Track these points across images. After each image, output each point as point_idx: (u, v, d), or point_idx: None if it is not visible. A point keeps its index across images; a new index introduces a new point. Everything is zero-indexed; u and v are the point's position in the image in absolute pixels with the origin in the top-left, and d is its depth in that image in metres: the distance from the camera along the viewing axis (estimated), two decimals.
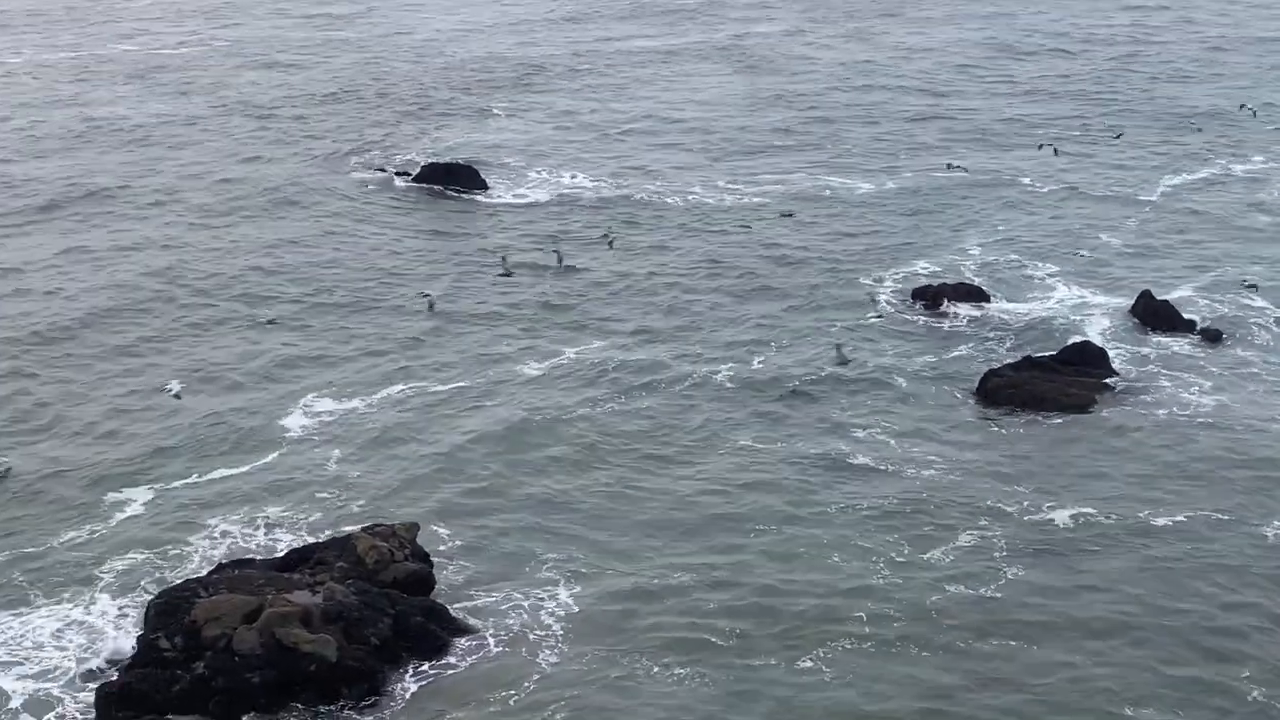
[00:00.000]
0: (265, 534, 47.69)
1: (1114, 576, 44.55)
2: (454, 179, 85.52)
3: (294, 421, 55.82)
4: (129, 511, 49.48)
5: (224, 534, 47.74)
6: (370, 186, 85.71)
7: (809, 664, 40.52)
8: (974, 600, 43.31)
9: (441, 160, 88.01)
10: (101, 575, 45.32)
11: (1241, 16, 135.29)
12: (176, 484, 51.21)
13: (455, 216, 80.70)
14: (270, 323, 64.82)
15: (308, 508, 49.19)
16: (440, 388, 58.66)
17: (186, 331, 64.36)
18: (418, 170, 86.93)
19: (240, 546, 46.77)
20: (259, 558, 45.67)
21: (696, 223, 79.15)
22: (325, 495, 50.10)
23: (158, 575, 45.06)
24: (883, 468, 51.45)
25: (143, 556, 46.36)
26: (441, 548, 46.35)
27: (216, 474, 51.84)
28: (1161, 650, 41.11)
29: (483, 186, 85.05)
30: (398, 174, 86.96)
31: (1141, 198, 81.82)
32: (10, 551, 46.86)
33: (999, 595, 43.66)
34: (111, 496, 50.34)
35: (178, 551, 46.62)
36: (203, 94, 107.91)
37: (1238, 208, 79.88)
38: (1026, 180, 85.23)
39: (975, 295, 66.20)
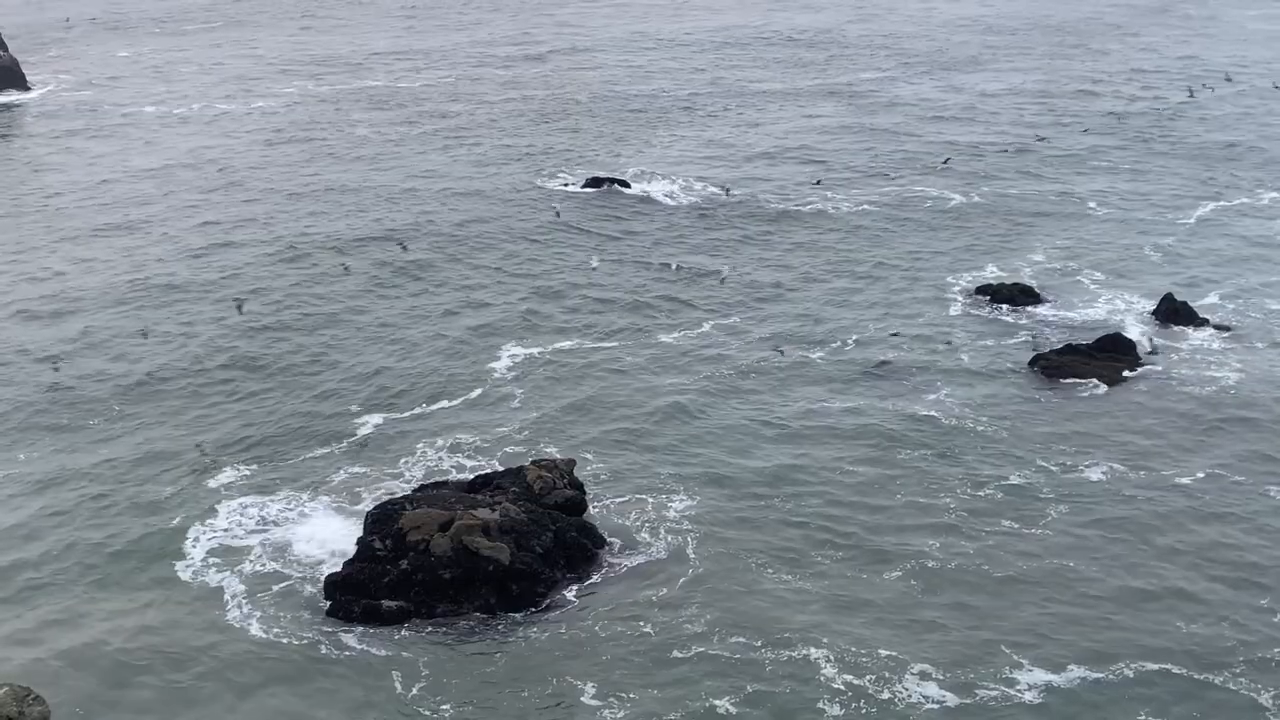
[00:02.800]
0: (459, 459, 48.88)
1: (1138, 520, 44.28)
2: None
3: (498, 365, 57.62)
4: (368, 429, 51.50)
5: (429, 457, 49.17)
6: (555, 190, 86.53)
7: (899, 570, 41.29)
8: (1018, 525, 43.78)
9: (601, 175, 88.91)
10: (339, 482, 47.24)
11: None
12: (403, 414, 53.05)
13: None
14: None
15: (494, 440, 50.32)
16: (601, 345, 59.95)
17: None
18: (584, 180, 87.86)
19: (440, 469, 48.08)
20: (452, 479, 46.84)
21: (808, 227, 78.94)
22: (506, 430, 51.29)
23: (378, 487, 46.62)
24: (949, 423, 51.41)
25: (367, 470, 48.07)
26: (594, 477, 47.09)
27: (432, 407, 53.53)
28: (1152, 548, 41.91)
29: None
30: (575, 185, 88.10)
31: (1179, 219, 79.43)
32: (270, 458, 49.19)
33: (1040, 523, 43.96)
34: (361, 418, 52.64)
35: (394, 470, 48.18)
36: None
37: (1258, 231, 77.00)
38: (1088, 202, 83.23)
39: (1029, 295, 64.95)
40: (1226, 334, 60.17)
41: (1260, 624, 37.77)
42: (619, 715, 34.44)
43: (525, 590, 40.51)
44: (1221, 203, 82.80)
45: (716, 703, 34.86)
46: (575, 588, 40.77)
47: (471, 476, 46.82)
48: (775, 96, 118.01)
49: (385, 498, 44.87)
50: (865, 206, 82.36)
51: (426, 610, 39.85)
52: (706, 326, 62.41)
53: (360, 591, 40.24)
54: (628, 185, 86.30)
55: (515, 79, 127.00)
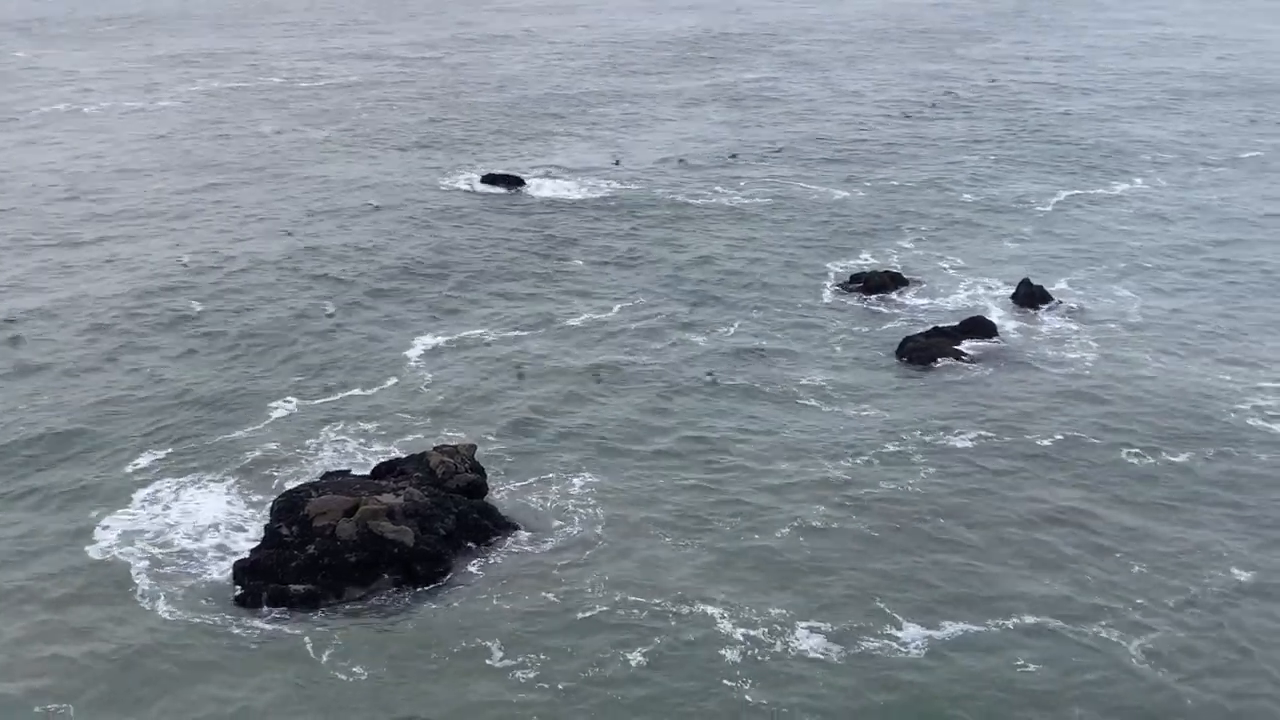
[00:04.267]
0: (368, 445, 48.59)
1: (1003, 483, 45.85)
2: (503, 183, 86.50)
3: (410, 354, 57.38)
4: (276, 416, 50.98)
5: (339, 443, 48.79)
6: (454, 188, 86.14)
7: (786, 531, 42.29)
8: (897, 489, 45.15)
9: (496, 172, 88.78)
10: (247, 469, 46.65)
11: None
12: (315, 401, 52.56)
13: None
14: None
15: (403, 426, 50.18)
16: (507, 334, 59.89)
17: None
18: (482, 177, 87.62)
19: (350, 455, 47.83)
20: (357, 466, 46.53)
21: (687, 216, 79.75)
22: (415, 416, 51.17)
23: (285, 473, 46.25)
24: (826, 401, 52.57)
25: (276, 456, 47.62)
26: (494, 460, 47.22)
27: (344, 394, 53.17)
28: (1021, 512, 43.32)
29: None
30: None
31: (1036, 207, 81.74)
32: (187, 441, 48.48)
33: (914, 486, 45.39)
34: (270, 404, 52.08)
35: (300, 456, 47.76)
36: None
37: (1104, 218, 79.75)
38: (956, 192, 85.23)
39: (898, 281, 66.52)
40: (1078, 315, 62.24)
41: (1116, 579, 39.49)
42: (530, 675, 34.93)
43: (429, 570, 40.52)
44: (1076, 191, 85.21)
45: (627, 656, 35.54)
46: (479, 564, 40.92)
47: (375, 463, 46.59)
48: (665, 96, 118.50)
49: (293, 484, 44.57)
50: (749, 199, 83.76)
51: (335, 593, 39.61)
52: (603, 314, 63.04)
53: (268, 577, 39.92)
54: (524, 183, 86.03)
55: (414, 77, 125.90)
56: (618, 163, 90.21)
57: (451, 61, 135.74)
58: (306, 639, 36.98)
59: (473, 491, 44.35)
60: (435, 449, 46.04)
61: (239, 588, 39.57)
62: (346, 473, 45.93)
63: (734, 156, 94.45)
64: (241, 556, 40.81)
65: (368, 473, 45.71)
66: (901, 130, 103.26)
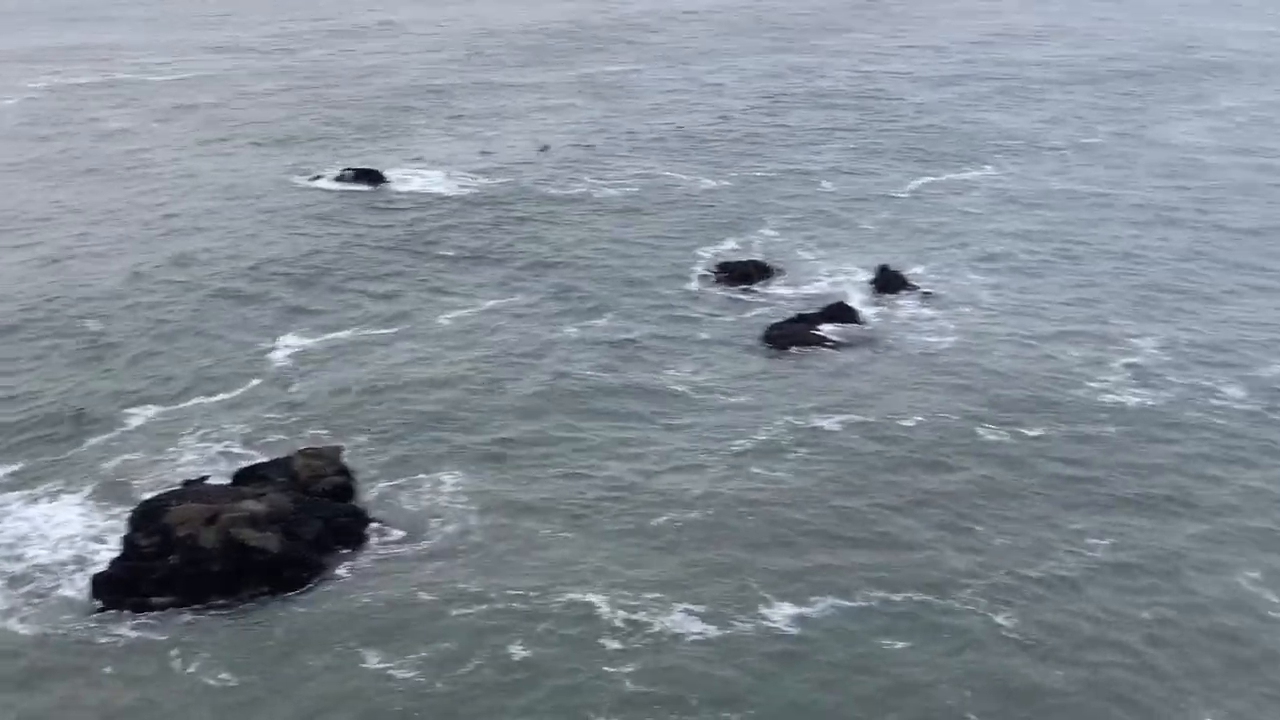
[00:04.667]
0: (232, 450, 47.36)
1: (870, 460, 46.89)
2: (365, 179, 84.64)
3: (274, 355, 56.03)
4: (134, 424, 49.25)
5: (201, 449, 47.42)
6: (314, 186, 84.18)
7: (660, 520, 42.39)
8: (769, 473, 45.57)
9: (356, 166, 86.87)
10: (104, 480, 45.02)
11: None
12: (177, 406, 51.06)
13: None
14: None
15: (269, 429, 49.02)
16: (376, 332, 58.90)
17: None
18: (341, 173, 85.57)
19: (213, 460, 46.52)
20: (219, 475, 45.13)
21: (554, 209, 79.46)
22: (275, 418, 50.00)
23: (144, 483, 44.72)
24: (696, 396, 52.73)
25: (135, 465, 46.10)
26: (364, 462, 46.42)
27: (201, 399, 51.62)
28: (886, 493, 44.15)
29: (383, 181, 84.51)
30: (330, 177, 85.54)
31: (893, 194, 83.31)
32: (39, 453, 46.79)
33: (784, 471, 45.74)
34: (127, 412, 50.28)
35: (159, 464, 46.29)
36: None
37: (957, 202, 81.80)
38: (817, 181, 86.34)
39: (762, 270, 67.12)
40: (935, 299, 63.57)
41: (979, 557, 40.52)
42: (408, 674, 34.45)
43: (297, 576, 39.67)
44: (931, 179, 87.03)
45: (506, 649, 35.38)
46: (349, 567, 40.21)
47: (237, 469, 45.35)
48: (527, 88, 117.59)
49: (153, 493, 43.22)
50: (617, 190, 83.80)
51: (199, 603, 38.57)
52: (472, 310, 62.26)
53: (128, 589, 38.66)
54: (386, 178, 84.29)
55: (270, 71, 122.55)
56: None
57: (310, 55, 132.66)
58: (173, 650, 35.98)
59: (340, 495, 43.45)
60: (300, 452, 45.09)
61: (98, 601, 38.17)
62: (206, 479, 44.64)
63: (590, 147, 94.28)
64: (100, 569, 39.33)
65: (229, 480, 44.23)
66: (762, 121, 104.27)
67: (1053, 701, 33.67)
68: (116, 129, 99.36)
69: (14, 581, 39.05)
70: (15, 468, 45.78)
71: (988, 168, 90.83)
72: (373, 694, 33.58)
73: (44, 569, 39.77)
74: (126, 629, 36.75)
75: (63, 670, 34.68)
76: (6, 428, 49.03)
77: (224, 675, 34.61)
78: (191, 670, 34.75)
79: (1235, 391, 53.04)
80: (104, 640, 36.10)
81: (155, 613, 37.56)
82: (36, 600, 38.21)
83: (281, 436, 48.22)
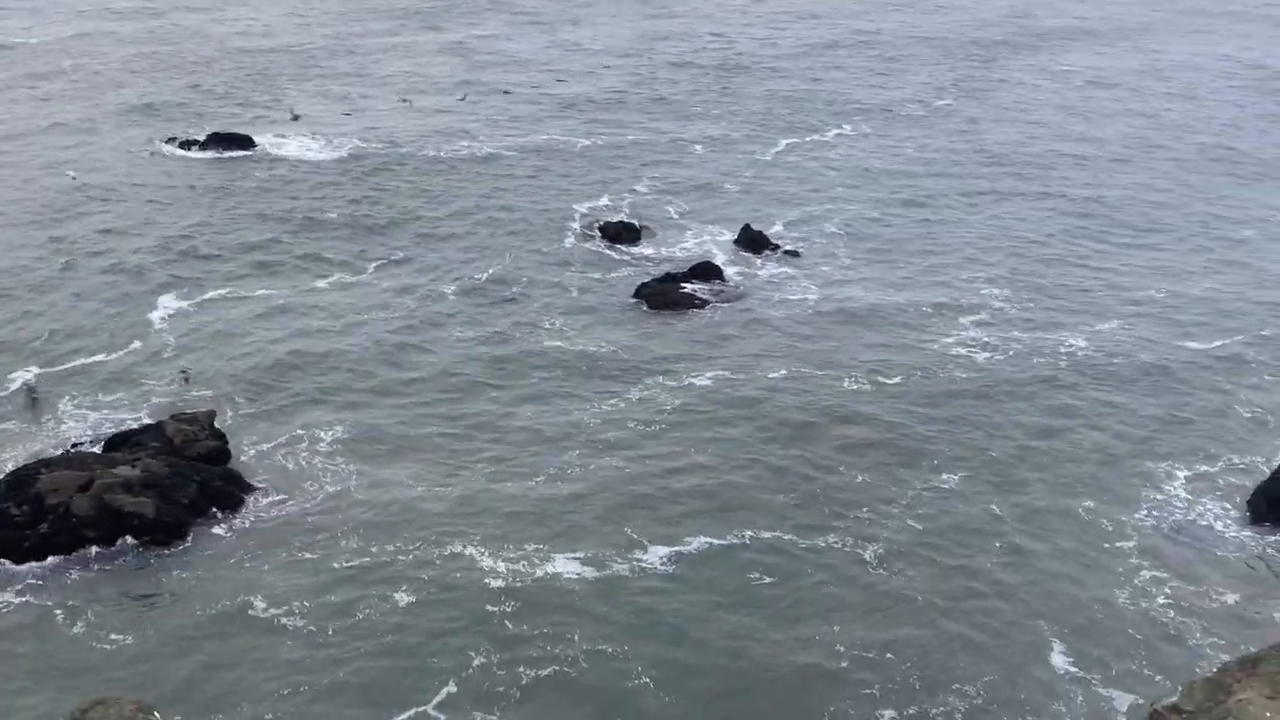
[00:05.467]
0: (110, 414, 46.30)
1: (740, 410, 47.91)
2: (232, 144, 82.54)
3: (153, 316, 54.99)
4: (9, 391, 47.94)
5: (78, 414, 46.33)
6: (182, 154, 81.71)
7: (539, 474, 42.97)
8: (644, 428, 46.26)
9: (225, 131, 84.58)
10: None
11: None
12: (53, 370, 49.73)
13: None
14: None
15: (146, 393, 48.06)
16: (251, 295, 58.08)
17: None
18: (207, 138, 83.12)
19: (91, 425, 45.44)
20: (90, 440, 44.19)
21: (429, 169, 78.97)
22: (159, 383, 49.07)
23: (18, 451, 43.50)
24: (569, 349, 53.35)
25: (10, 432, 44.88)
26: (241, 424, 45.99)
27: (85, 361, 50.50)
28: (755, 444, 45.15)
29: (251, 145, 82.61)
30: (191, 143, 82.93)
31: (758, 156, 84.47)
32: None
33: (658, 423, 46.54)
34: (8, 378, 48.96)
35: (36, 431, 45.10)
36: None
37: (816, 164, 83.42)
38: (688, 144, 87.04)
39: (632, 231, 67.85)
40: (796, 257, 64.71)
41: (843, 494, 42.30)
42: (298, 622, 34.77)
43: (173, 539, 39.26)
44: (793, 140, 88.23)
45: (394, 596, 35.84)
46: (228, 528, 39.97)
47: (109, 434, 44.45)
48: (396, 50, 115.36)
49: (25, 461, 42.12)
50: (493, 150, 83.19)
51: (75, 570, 37.74)
52: (351, 274, 61.77)
53: (2, 558, 37.69)
54: (254, 143, 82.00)
55: (132, 35, 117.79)
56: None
57: (172, 19, 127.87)
58: (57, 611, 35.49)
59: (215, 458, 43.10)
60: (172, 418, 44.42)
61: None
62: (78, 446, 43.58)
63: (464, 99, 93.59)
64: None
65: (100, 447, 43.17)
66: (631, 84, 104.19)
67: (912, 631, 35.21)
68: None
69: None
70: None
71: (846, 128, 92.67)
72: (265, 643, 33.83)
73: None
74: (11, 594, 36.20)
75: None
76: None
77: (115, 636, 34.40)
78: (78, 633, 34.43)
79: (1078, 342, 55.25)
80: (9, 618, 35.43)
81: (37, 579, 36.96)
82: None
83: (162, 400, 47.51)
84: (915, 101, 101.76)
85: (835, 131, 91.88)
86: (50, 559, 37.81)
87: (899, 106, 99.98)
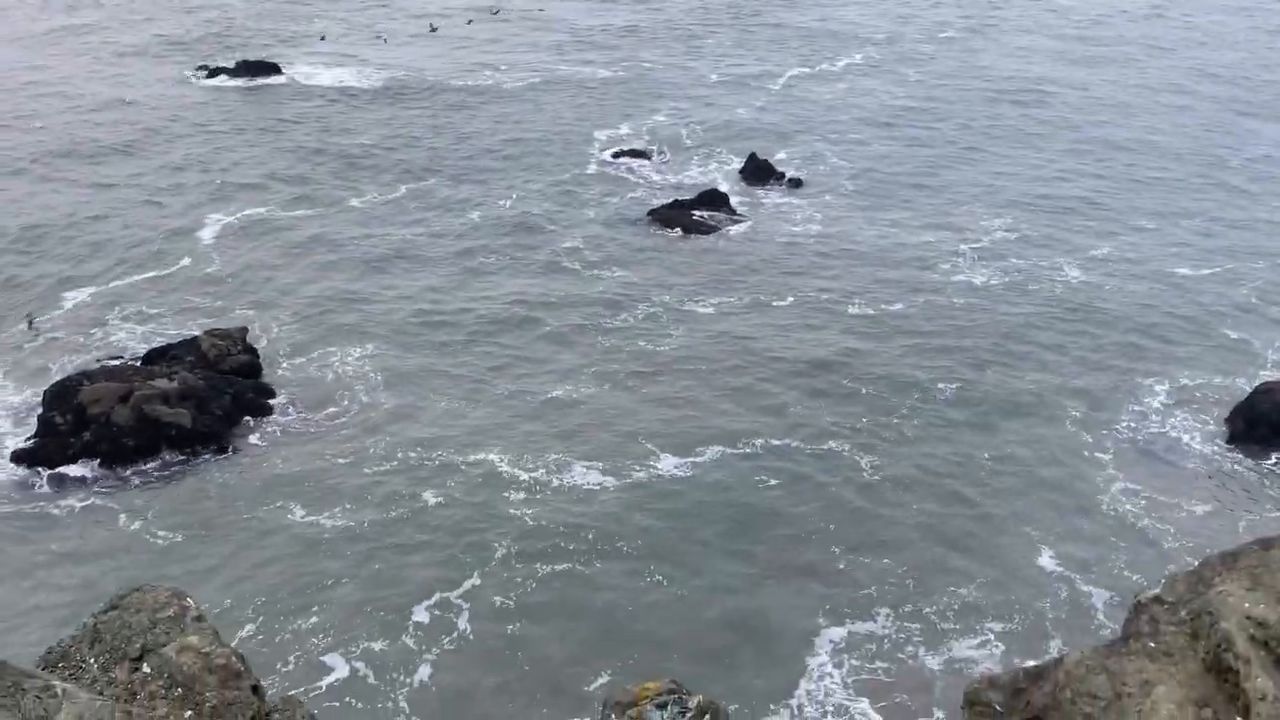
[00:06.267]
0: (158, 329, 47.64)
1: (746, 335, 49.04)
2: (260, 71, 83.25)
3: (200, 236, 56.13)
4: (66, 307, 49.17)
5: (126, 329, 47.57)
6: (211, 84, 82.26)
7: (556, 389, 44.28)
8: (654, 351, 47.55)
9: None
10: (28, 359, 45.22)
11: None
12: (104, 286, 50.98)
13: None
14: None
15: (179, 312, 49.40)
16: (292, 214, 59.36)
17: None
18: (236, 66, 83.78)
19: (138, 339, 46.80)
20: (129, 354, 45.61)
21: (459, 98, 79.64)
22: (197, 301, 50.41)
23: (67, 362, 45.03)
24: (586, 273, 54.67)
25: (61, 344, 46.19)
26: (269, 341, 47.36)
27: (129, 280, 51.71)
28: (762, 364, 46.08)
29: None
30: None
31: (768, 85, 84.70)
32: None
33: (667, 345, 47.87)
34: (63, 296, 50.36)
35: (87, 344, 46.45)
36: None
37: (824, 95, 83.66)
38: (703, 74, 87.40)
39: (645, 156, 68.90)
40: (801, 186, 65.31)
41: (845, 408, 43.85)
42: (337, 523, 36.50)
43: (211, 449, 40.77)
44: (803, 70, 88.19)
45: (421, 497, 37.50)
46: (262, 437, 41.51)
47: (146, 350, 45.89)
48: None
49: (70, 372, 43.73)
50: (520, 80, 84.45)
51: (116, 478, 39.44)
52: (388, 195, 63.02)
53: (46, 463, 39.41)
54: (281, 72, 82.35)
55: None
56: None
57: None
58: (103, 511, 37.21)
59: (247, 372, 44.56)
60: (206, 333, 45.85)
61: (16, 474, 38.88)
62: (119, 360, 45.00)
63: (497, 11, 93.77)
64: (19, 447, 39.96)
65: (139, 360, 44.65)
66: (645, 18, 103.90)
67: (908, 535, 37.01)
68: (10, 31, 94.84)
69: None
70: None
71: (857, 57, 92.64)
72: (303, 540, 35.69)
73: None
74: (62, 495, 37.82)
75: (18, 546, 35.59)
76: None
77: (167, 534, 36.16)
78: (125, 528, 36.20)
79: (1073, 271, 56.07)
80: (53, 511, 37.15)
81: (85, 481, 38.65)
82: None
83: (199, 317, 48.84)
84: (923, 34, 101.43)
85: (845, 62, 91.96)
86: (96, 465, 39.40)
87: (907, 40, 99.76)
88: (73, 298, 50.50)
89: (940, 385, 45.42)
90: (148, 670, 10.28)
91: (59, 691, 8.54)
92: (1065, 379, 46.34)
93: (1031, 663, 30.47)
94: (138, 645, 10.47)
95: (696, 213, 60.66)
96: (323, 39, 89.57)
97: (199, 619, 10.96)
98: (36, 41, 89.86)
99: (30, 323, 48.03)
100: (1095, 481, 39.58)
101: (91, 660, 10.36)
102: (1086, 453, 41.31)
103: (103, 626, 10.75)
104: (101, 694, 9.40)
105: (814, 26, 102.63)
